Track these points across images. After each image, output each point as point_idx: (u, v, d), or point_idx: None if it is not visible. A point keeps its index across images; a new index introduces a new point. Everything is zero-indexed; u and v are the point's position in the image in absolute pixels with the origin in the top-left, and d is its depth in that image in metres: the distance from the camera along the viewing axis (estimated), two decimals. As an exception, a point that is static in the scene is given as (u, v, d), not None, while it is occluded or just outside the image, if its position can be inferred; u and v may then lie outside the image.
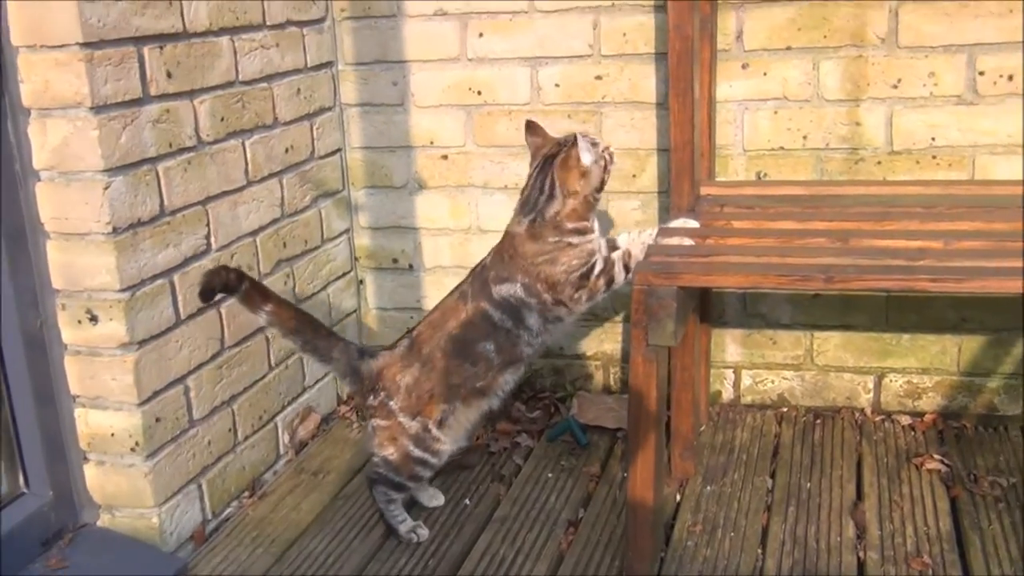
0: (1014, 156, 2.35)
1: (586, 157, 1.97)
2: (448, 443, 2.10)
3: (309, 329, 2.11)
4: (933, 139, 2.39)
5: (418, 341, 2.10)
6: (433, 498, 2.28)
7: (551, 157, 2.02)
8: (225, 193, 2.26)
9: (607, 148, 2.04)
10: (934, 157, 2.40)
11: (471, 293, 2.08)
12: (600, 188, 2.02)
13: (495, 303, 2.05)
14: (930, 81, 2.36)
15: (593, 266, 2.03)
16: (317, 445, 2.59)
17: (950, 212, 2.12)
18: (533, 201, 2.03)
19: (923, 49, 2.34)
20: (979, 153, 2.37)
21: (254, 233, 2.38)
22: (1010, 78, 2.31)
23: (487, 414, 2.16)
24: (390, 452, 2.09)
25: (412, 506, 2.23)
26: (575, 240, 2.01)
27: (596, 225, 2.04)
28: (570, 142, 1.99)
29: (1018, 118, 2.33)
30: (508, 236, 2.08)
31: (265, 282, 2.39)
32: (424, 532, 2.15)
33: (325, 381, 2.71)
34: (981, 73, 2.33)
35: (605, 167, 2.02)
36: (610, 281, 2.04)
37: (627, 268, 2.03)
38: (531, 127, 2.10)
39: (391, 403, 2.07)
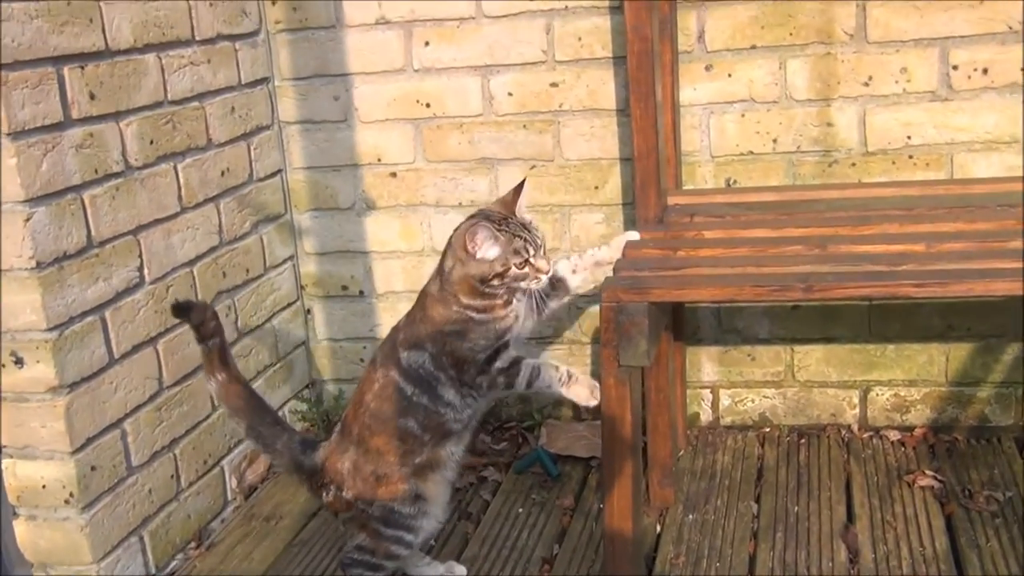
0: (993, 153, 2.40)
1: (484, 249, 1.84)
2: (422, 517, 1.98)
3: (254, 413, 2.02)
4: (909, 138, 2.43)
5: (347, 423, 2.00)
6: (450, 573, 2.15)
7: (468, 220, 1.92)
8: (157, 221, 2.24)
9: (532, 267, 1.86)
10: (911, 157, 2.44)
11: (379, 358, 1.99)
12: (485, 281, 1.85)
13: (404, 373, 1.93)
14: (903, 77, 2.40)
15: (498, 352, 1.91)
16: (268, 489, 2.56)
17: (930, 213, 2.15)
18: (440, 265, 1.96)
19: (894, 44, 2.38)
20: (957, 151, 2.42)
21: (191, 263, 2.36)
22: (985, 71, 2.36)
23: (452, 484, 2.05)
24: (361, 538, 1.98)
25: None
26: (476, 316, 1.89)
27: (514, 301, 1.90)
28: (479, 220, 1.87)
29: (995, 113, 2.37)
30: (422, 294, 1.99)
31: (205, 316, 2.38)
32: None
33: (273, 420, 2.69)
34: (955, 67, 2.37)
35: (506, 271, 1.84)
36: (510, 383, 1.91)
37: (530, 383, 1.91)
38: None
39: (344, 494, 1.97)
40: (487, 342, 1.90)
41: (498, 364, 1.90)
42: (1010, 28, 2.32)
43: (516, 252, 1.84)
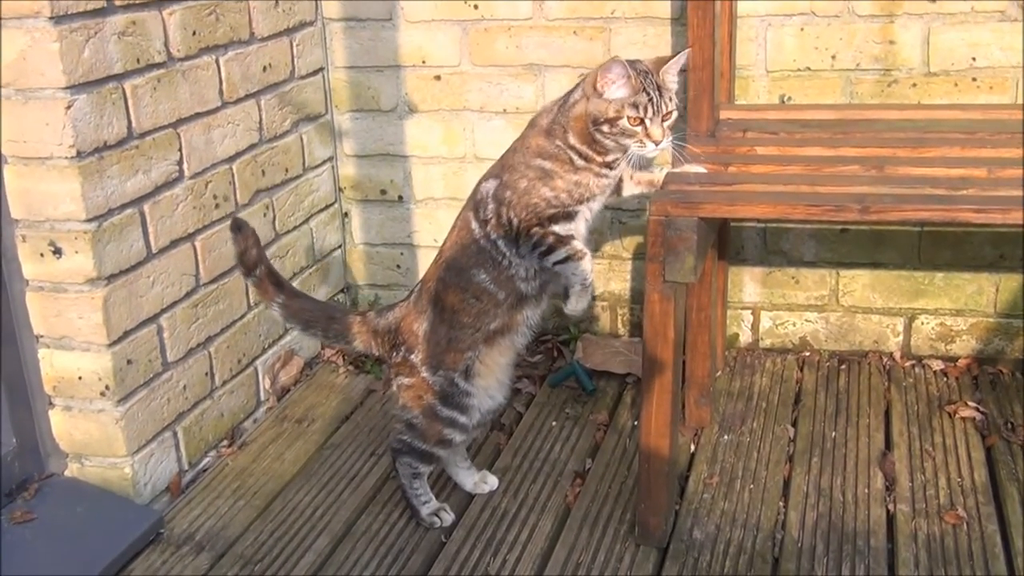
0: (1063, 77, 2.34)
1: (612, 89, 1.80)
2: (479, 396, 1.99)
3: (324, 318, 2.05)
4: (974, 59, 2.37)
5: (425, 280, 2.01)
6: (483, 482, 2.16)
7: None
8: (198, 115, 2.22)
9: (645, 130, 1.80)
10: (974, 79, 2.38)
11: (471, 205, 1.95)
12: (597, 124, 1.81)
13: (476, 209, 1.91)
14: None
15: (569, 216, 1.87)
16: (300, 391, 2.58)
17: (993, 138, 2.10)
18: (565, 97, 1.90)
19: (965, -41, 2.31)
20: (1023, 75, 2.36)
21: (230, 160, 2.34)
22: (1060, -9, 2.29)
23: (517, 357, 2.05)
24: (415, 414, 1.99)
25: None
26: (578, 162, 1.84)
27: (610, 171, 1.87)
28: (612, 63, 1.80)
29: (1068, 36, 2.31)
30: (528, 126, 1.94)
31: (243, 214, 2.38)
32: (449, 517, 2.06)
33: (308, 322, 2.70)
34: (1028, -16, 2.30)
35: (617, 120, 1.79)
36: (549, 250, 1.87)
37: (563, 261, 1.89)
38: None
39: (412, 357, 1.97)
40: (566, 198, 1.87)
41: (556, 228, 1.87)
42: (1089, -54, 2.25)
43: (635, 106, 1.80)
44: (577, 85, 1.88)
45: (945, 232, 2.45)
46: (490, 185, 1.91)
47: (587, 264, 1.90)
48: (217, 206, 2.30)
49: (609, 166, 1.87)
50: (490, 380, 1.99)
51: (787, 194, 1.87)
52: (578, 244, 1.89)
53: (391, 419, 2.41)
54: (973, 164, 1.96)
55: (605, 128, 1.81)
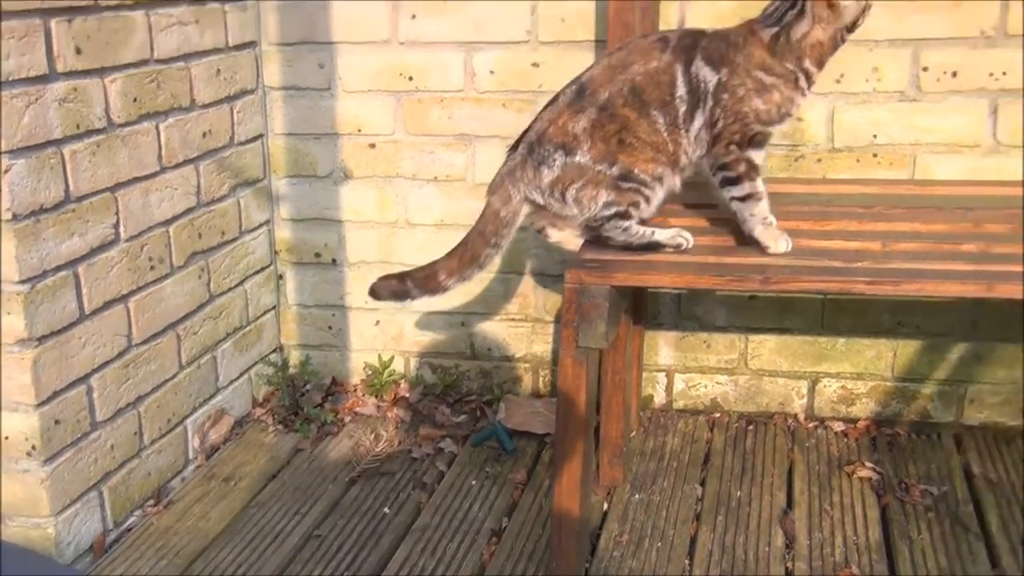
0: (955, 155, 2.41)
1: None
2: (657, 186, 1.94)
3: (484, 245, 2.00)
4: (875, 136, 2.44)
5: (591, 84, 1.92)
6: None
7: None
8: (136, 179, 2.21)
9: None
10: (875, 155, 2.45)
11: (674, 44, 1.91)
12: (852, 28, 1.89)
13: (686, 74, 1.90)
14: (873, 76, 2.40)
15: (765, 139, 1.92)
16: (229, 450, 2.55)
17: (889, 212, 2.15)
18: (780, 15, 1.89)
19: (867, 43, 2.38)
20: (920, 152, 2.43)
21: (167, 223, 2.33)
22: (954, 74, 2.36)
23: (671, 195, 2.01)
24: (605, 197, 1.90)
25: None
26: (802, 83, 1.90)
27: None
28: None
29: (960, 116, 2.38)
30: (743, 27, 1.93)
31: (178, 276, 2.36)
32: (689, 236, 1.96)
33: (240, 381, 2.68)
34: (925, 69, 2.38)
35: (864, 11, 1.88)
36: (736, 180, 1.91)
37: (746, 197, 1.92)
38: None
39: (577, 158, 1.90)
40: (775, 116, 1.91)
41: (751, 154, 1.91)
42: (982, 33, 2.33)
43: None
44: (791, 23, 1.88)
45: (845, 300, 2.50)
46: (709, 74, 1.90)
47: (766, 204, 1.93)
48: (152, 268, 2.28)
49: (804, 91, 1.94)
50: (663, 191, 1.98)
51: (694, 264, 1.91)
52: (760, 183, 1.93)
53: (320, 477, 2.41)
54: (869, 237, 2.01)
55: (847, 35, 1.90)
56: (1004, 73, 2.33)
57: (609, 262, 1.93)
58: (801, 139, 2.47)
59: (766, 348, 2.61)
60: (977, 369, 2.51)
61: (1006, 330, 2.47)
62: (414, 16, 2.58)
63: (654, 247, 1.95)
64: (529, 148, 1.94)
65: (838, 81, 2.41)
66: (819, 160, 2.47)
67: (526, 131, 1.98)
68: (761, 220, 1.93)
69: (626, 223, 1.94)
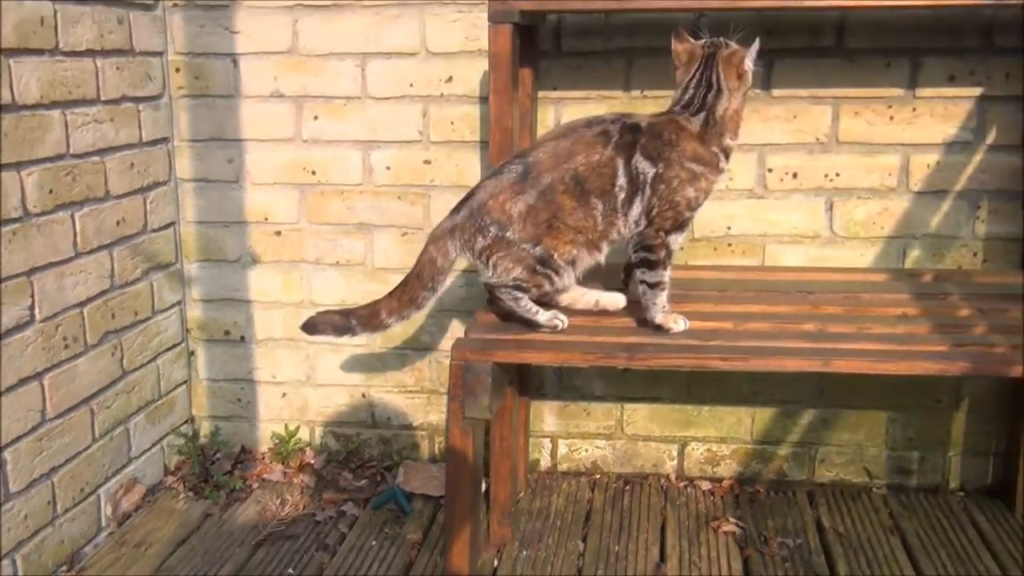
0: (798, 245, 2.52)
1: (748, 63, 1.96)
2: (569, 270, 2.02)
3: (421, 288, 2.05)
4: (729, 228, 2.54)
5: (536, 168, 1.98)
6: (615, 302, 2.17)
7: (713, 55, 1.98)
8: (52, 264, 2.19)
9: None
10: (730, 244, 2.55)
11: (615, 140, 1.98)
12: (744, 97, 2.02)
13: (627, 167, 1.97)
14: (726, 176, 2.50)
15: (685, 225, 2.02)
16: (141, 516, 2.49)
17: (741, 295, 2.25)
18: (700, 99, 1.99)
19: (719, 147, 2.49)
20: (768, 242, 2.53)
21: (81, 304, 2.30)
22: (795, 175, 2.49)
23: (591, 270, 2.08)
24: (517, 272, 1.99)
25: None
26: (722, 164, 2.00)
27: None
28: (724, 42, 1.99)
29: (801, 210, 2.50)
30: (673, 123, 2.00)
31: (91, 354, 2.33)
32: (565, 319, 2.04)
33: (152, 451, 2.63)
34: (770, 170, 2.49)
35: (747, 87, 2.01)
36: (653, 265, 2.01)
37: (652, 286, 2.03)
38: (678, 35, 2.03)
39: (508, 234, 1.97)
40: (701, 200, 2.02)
41: (672, 237, 2.02)
42: (817, 140, 2.46)
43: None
44: (703, 99, 1.99)
45: (707, 373, 2.58)
46: (647, 167, 1.98)
47: (667, 294, 2.04)
48: (67, 347, 2.24)
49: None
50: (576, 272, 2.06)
51: (568, 343, 1.96)
52: (668, 274, 2.03)
53: (228, 541, 2.37)
54: (723, 318, 2.09)
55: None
56: (837, 174, 2.47)
57: (492, 341, 1.98)
58: (666, 228, 2.55)
59: (640, 415, 2.67)
60: (825, 432, 2.61)
61: (849, 398, 2.57)
62: (316, 117, 2.62)
63: (533, 325, 2.01)
64: (470, 213, 2.01)
65: (696, 177, 2.51)
66: (682, 248, 2.53)
67: (469, 196, 2.04)
68: (661, 308, 2.02)
69: (521, 295, 2.02)
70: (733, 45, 1.98)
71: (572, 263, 2.01)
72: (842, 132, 2.45)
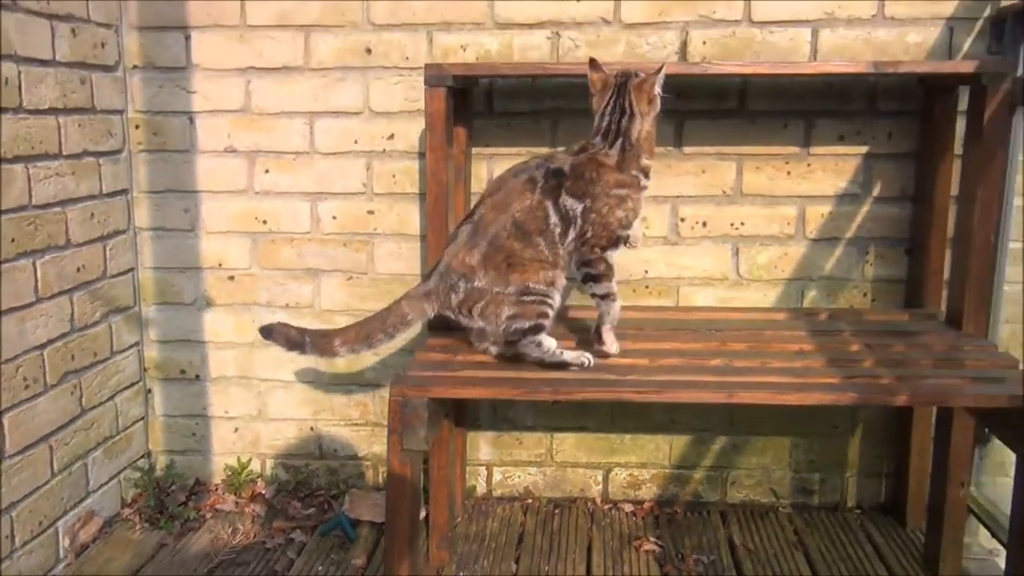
0: (708, 287, 2.57)
1: (657, 88, 1.99)
2: (553, 292, 2.03)
3: (379, 330, 2.06)
4: (646, 272, 2.58)
5: (482, 224, 2.02)
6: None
7: (624, 83, 2.01)
8: (13, 309, 2.15)
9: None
10: (647, 287, 2.59)
11: (542, 186, 2.01)
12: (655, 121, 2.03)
13: (556, 207, 2.00)
14: (643, 224, 2.55)
15: (620, 242, 2.04)
16: (98, 548, 2.43)
17: (656, 334, 2.28)
18: (615, 126, 2.01)
19: (637, 199, 2.54)
20: (682, 284, 2.58)
21: (42, 346, 2.26)
22: (704, 224, 2.54)
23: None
24: (507, 312, 2.01)
25: None
26: (643, 182, 2.02)
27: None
28: (634, 72, 2.02)
29: (710, 256, 2.55)
30: (593, 161, 2.01)
31: (51, 394, 2.28)
32: (591, 356, 2.02)
33: (110, 485, 2.57)
34: (682, 219, 2.55)
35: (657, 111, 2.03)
36: (597, 278, 2.04)
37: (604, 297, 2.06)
38: (594, 65, 2.05)
39: (475, 283, 2.00)
40: (632, 218, 2.03)
41: (609, 253, 2.04)
42: (724, 192, 2.52)
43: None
44: (618, 126, 2.01)
45: (628, 404, 2.60)
46: (575, 204, 2.01)
47: (618, 305, 2.06)
48: (27, 387, 2.20)
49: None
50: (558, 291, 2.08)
51: (497, 379, 1.97)
52: (615, 284, 2.06)
53: (181, 569, 2.32)
54: (639, 355, 2.11)
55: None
56: (742, 223, 2.53)
57: (428, 378, 1.98)
58: (590, 272, 2.59)
59: (568, 444, 2.69)
60: (735, 457, 2.65)
61: (756, 426, 2.62)
62: (268, 171, 2.62)
63: (563, 366, 2.02)
64: (439, 277, 2.05)
65: (616, 226, 2.55)
66: (604, 289, 2.59)
67: (436, 265, 2.08)
68: (611, 321, 2.07)
69: (539, 337, 2.03)
70: (643, 74, 2.02)
71: (551, 283, 2.04)
72: (746, 185, 2.51)
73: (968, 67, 2.18)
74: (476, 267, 2.02)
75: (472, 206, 2.34)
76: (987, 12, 2.36)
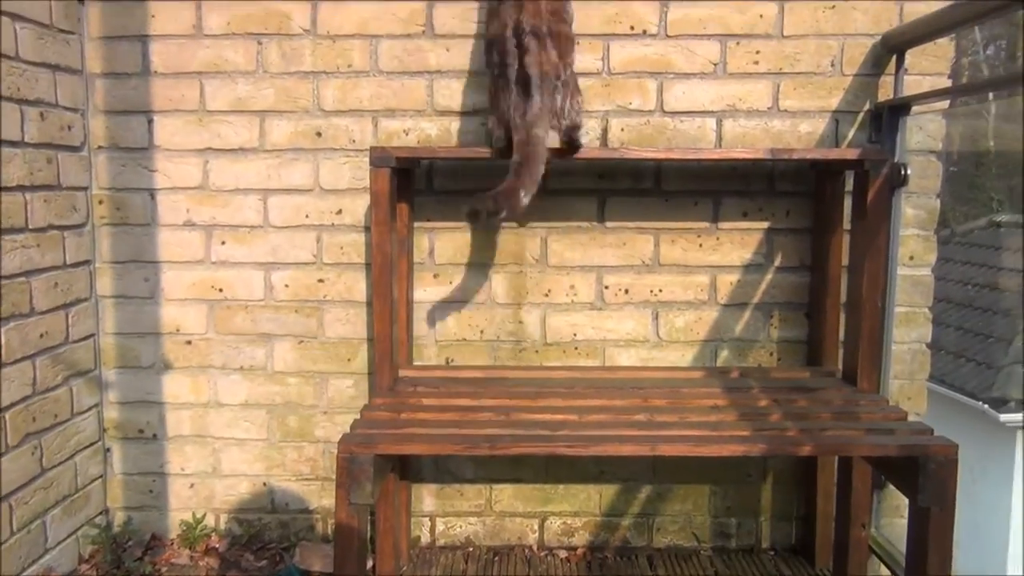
0: (632, 348, 2.62)
1: None
2: None
3: (538, 162, 2.05)
4: (575, 334, 2.62)
5: (533, 28, 2.09)
6: None
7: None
8: (-23, 375, 2.10)
9: None
10: (576, 348, 2.63)
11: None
12: None
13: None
14: (571, 292, 2.60)
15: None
16: (54, 603, 2.36)
17: (584, 391, 2.31)
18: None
19: (565, 268, 2.59)
20: (608, 346, 2.62)
21: (4, 409, 2.20)
22: (626, 291, 2.60)
23: None
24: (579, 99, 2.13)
25: None
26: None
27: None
28: None
29: (633, 320, 2.61)
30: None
31: (11, 454, 2.22)
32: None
33: (67, 542, 2.49)
34: (606, 287, 2.60)
35: None
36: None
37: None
38: None
39: (563, 76, 2.09)
40: None
41: None
42: (643, 263, 2.59)
43: None
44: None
45: (559, 457, 2.61)
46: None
47: None
48: (-12, 449, 2.14)
49: None
50: None
51: (439, 435, 1.98)
52: None
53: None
54: (569, 411, 2.14)
55: None
56: (660, 290, 2.59)
57: (374, 435, 1.98)
58: (523, 336, 2.62)
59: (506, 495, 2.69)
60: (660, 504, 2.67)
61: (678, 475, 2.65)
62: (224, 243, 2.61)
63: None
64: (539, 89, 2.07)
65: (546, 295, 2.60)
66: (536, 351, 2.63)
67: (525, 83, 2.07)
68: None
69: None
70: None
71: None
72: (663, 256, 2.58)
73: (853, 154, 2.29)
74: (558, 63, 2.08)
75: (408, 278, 2.35)
76: (867, 106, 2.50)
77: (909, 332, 2.55)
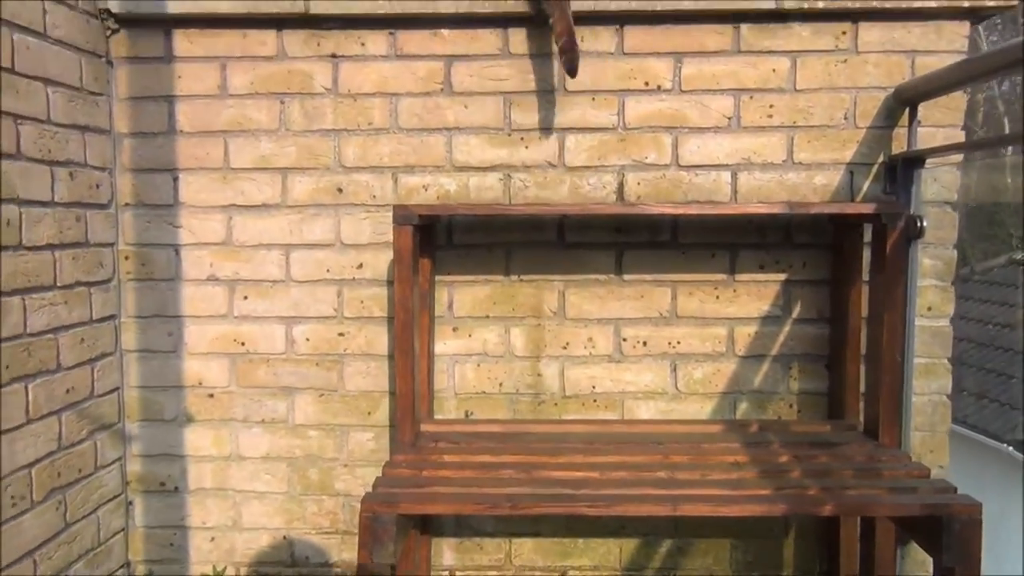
0: (651, 400, 2.62)
1: None
2: None
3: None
4: (593, 387, 2.63)
5: None
6: None
7: None
8: (5, 431, 2.13)
9: None
10: (595, 401, 2.63)
11: None
12: None
13: None
14: (589, 344, 2.61)
15: None
16: (76, 660, 2.36)
17: (604, 447, 2.31)
18: None
19: (583, 321, 2.60)
20: (626, 398, 2.62)
21: (30, 465, 2.23)
22: (644, 343, 2.61)
23: None
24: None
25: None
26: None
27: None
28: None
29: (651, 372, 2.61)
30: None
31: (36, 510, 2.24)
32: None
33: (89, 597, 2.51)
34: (624, 339, 2.61)
35: None
36: None
37: None
38: None
39: None
40: None
41: None
42: (661, 315, 2.60)
43: None
44: None
45: (583, 516, 2.61)
46: None
47: None
48: (14, 504, 2.16)
49: None
50: None
51: (460, 495, 1.98)
52: None
53: None
54: (590, 468, 2.14)
55: None
56: (678, 342, 2.60)
57: (397, 494, 1.99)
58: (541, 389, 2.63)
59: (526, 548, 2.68)
60: (681, 559, 2.65)
61: (699, 529, 2.64)
62: (246, 297, 2.65)
63: None
64: None
65: (565, 348, 2.61)
66: (555, 404, 2.63)
67: None
68: None
69: None
70: None
71: None
72: (680, 308, 2.59)
73: (869, 208, 2.31)
74: None
75: (429, 332, 2.39)
76: (881, 158, 2.52)
77: (929, 383, 2.54)
